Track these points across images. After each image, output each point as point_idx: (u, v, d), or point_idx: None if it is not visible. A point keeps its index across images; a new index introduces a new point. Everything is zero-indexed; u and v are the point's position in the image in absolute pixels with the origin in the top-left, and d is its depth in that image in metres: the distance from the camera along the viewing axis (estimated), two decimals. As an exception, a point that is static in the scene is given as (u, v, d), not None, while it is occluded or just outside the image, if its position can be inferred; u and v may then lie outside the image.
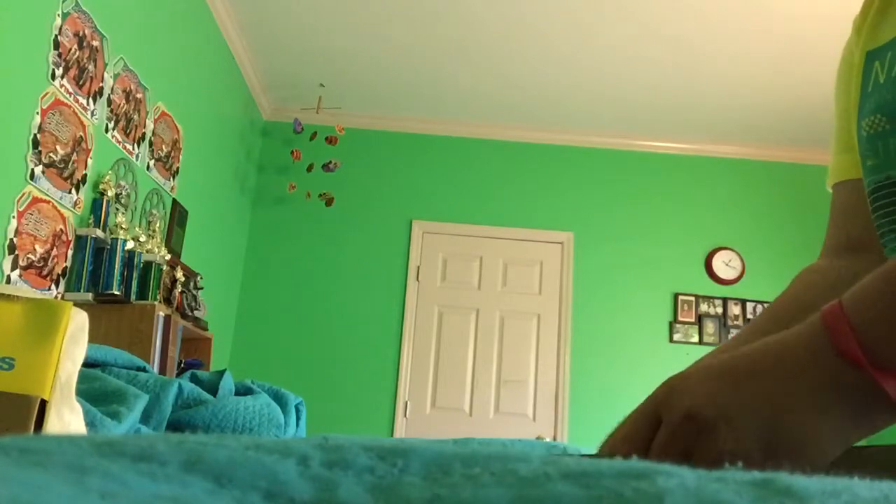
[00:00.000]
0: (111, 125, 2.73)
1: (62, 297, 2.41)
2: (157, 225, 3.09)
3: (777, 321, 0.71)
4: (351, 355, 4.57)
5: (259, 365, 4.47)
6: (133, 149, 2.93)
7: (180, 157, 3.45)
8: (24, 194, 2.19)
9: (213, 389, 1.78)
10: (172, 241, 3.36)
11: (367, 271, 4.71)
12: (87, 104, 2.53)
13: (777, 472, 0.27)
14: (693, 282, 4.77)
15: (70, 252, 2.46)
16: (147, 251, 2.75)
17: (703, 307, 4.72)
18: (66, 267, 2.45)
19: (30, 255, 2.24)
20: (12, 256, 2.15)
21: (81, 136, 2.50)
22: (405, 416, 4.51)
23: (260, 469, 0.27)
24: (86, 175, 2.54)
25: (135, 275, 2.64)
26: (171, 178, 3.36)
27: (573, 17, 3.68)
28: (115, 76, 2.75)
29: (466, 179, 4.87)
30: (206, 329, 3.35)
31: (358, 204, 4.79)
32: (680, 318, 4.69)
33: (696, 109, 4.52)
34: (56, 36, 2.31)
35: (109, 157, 2.74)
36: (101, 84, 2.62)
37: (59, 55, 2.33)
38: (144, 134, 3.04)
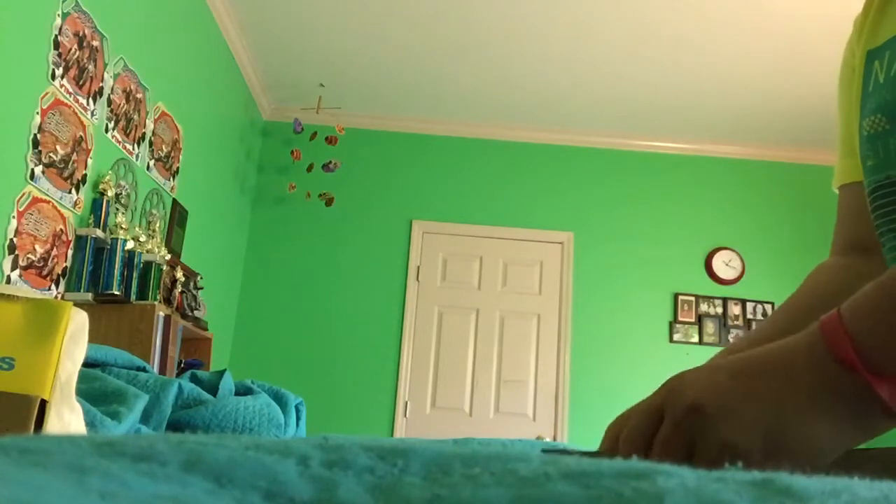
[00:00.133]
0: (111, 125, 2.73)
1: (62, 297, 2.41)
2: (157, 225, 3.09)
3: (791, 318, 0.75)
4: (351, 355, 4.57)
5: (259, 365, 4.47)
6: (133, 149, 2.93)
7: (180, 157, 3.45)
8: (24, 194, 2.19)
9: (213, 389, 1.78)
10: (172, 241, 3.36)
11: (367, 271, 4.71)
12: (87, 104, 2.53)
13: (777, 472, 0.27)
14: (693, 282, 4.77)
15: (70, 252, 2.46)
16: (147, 251, 2.75)
17: (703, 307, 4.72)
18: (66, 267, 2.45)
19: (30, 255, 2.24)
20: (12, 256, 2.15)
21: (81, 136, 2.50)
22: (405, 416, 4.51)
23: (260, 469, 0.27)
24: (86, 175, 2.54)
25: (135, 275, 2.64)
26: (171, 178, 3.36)
27: (573, 17, 3.68)
28: (115, 76, 2.75)
29: (466, 179, 4.87)
30: (206, 329, 3.35)
31: (358, 204, 4.79)
32: (680, 318, 4.69)
33: (696, 109, 4.52)
34: (56, 36, 2.31)
35: (109, 157, 2.74)
36: (101, 84, 2.62)
37: (59, 55, 2.33)
38: (144, 134, 3.04)
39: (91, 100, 2.55)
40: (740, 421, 0.47)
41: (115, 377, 1.60)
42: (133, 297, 2.62)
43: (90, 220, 2.56)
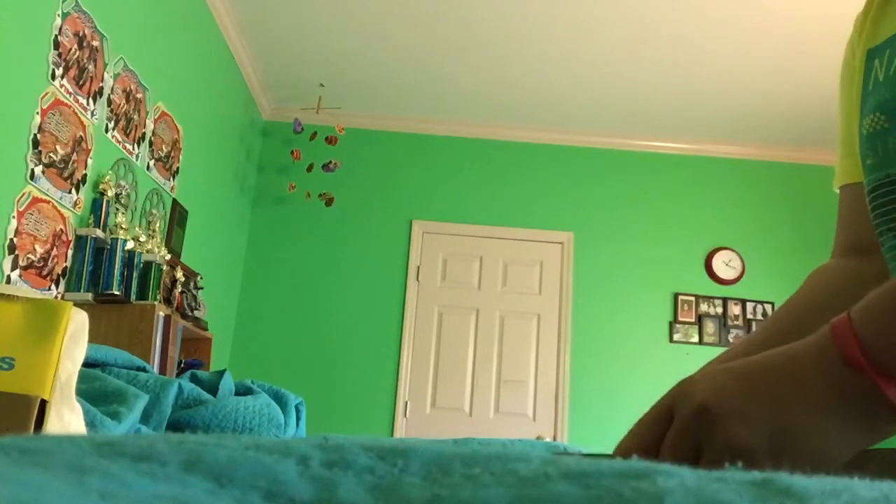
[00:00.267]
0: (111, 125, 2.73)
1: (62, 297, 2.41)
2: (157, 225, 3.09)
3: (791, 320, 0.75)
4: (351, 355, 4.57)
5: (259, 365, 4.47)
6: (133, 149, 2.93)
7: (180, 157, 3.45)
8: (24, 194, 2.19)
9: (213, 389, 1.78)
10: (172, 241, 3.36)
11: (366, 271, 4.71)
12: (87, 104, 2.53)
13: (777, 472, 0.27)
14: (693, 282, 4.77)
15: (70, 252, 2.46)
16: (147, 251, 2.75)
17: (704, 307, 4.72)
18: (66, 267, 2.45)
19: (30, 255, 2.24)
20: (12, 256, 2.15)
21: (81, 136, 2.50)
22: (405, 416, 4.51)
23: (260, 469, 0.27)
24: (86, 175, 2.54)
25: (135, 275, 2.64)
26: (171, 178, 3.36)
27: (573, 17, 3.68)
28: (115, 76, 2.75)
29: (466, 179, 4.87)
30: (206, 329, 3.35)
31: (358, 204, 4.79)
32: (680, 318, 4.69)
33: (696, 109, 4.52)
34: (56, 36, 2.31)
35: (109, 157, 2.74)
36: (101, 84, 2.62)
37: (59, 55, 2.33)
38: (144, 134, 3.04)
39: (91, 100, 2.55)
40: (748, 422, 0.48)
41: (115, 377, 1.60)
42: (133, 297, 2.62)
43: (90, 220, 2.56)
